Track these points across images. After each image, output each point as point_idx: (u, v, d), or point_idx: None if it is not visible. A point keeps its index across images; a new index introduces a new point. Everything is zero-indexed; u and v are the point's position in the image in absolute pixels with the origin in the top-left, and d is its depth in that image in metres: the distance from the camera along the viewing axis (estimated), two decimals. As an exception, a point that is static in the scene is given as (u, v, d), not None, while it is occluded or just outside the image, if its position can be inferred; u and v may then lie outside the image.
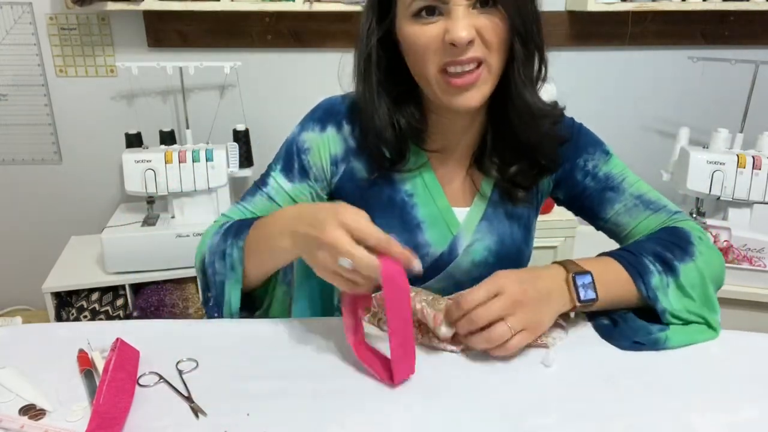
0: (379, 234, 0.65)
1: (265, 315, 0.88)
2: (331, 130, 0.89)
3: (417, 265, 0.65)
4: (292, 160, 0.90)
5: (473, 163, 0.90)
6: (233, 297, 0.80)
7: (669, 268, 0.78)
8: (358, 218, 0.65)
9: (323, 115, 0.90)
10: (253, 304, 0.87)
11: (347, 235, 0.64)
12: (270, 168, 0.92)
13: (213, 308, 0.83)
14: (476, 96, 0.77)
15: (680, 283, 0.77)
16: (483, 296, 0.69)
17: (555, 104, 0.87)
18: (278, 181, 0.90)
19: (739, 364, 0.72)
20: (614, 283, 0.77)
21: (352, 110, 0.89)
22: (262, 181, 0.91)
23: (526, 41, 0.76)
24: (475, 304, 0.69)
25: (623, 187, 0.89)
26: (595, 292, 0.75)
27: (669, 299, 0.76)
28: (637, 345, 0.75)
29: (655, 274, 0.77)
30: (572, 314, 0.80)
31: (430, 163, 0.89)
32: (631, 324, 0.77)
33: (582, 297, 0.74)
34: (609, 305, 0.78)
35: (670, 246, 0.80)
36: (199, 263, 0.85)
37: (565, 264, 0.77)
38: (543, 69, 0.81)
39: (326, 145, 0.89)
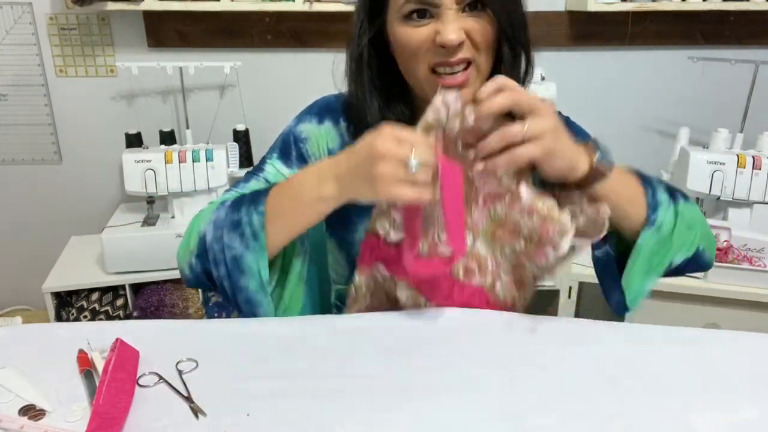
0: (423, 137, 0.71)
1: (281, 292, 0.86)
2: (328, 124, 0.90)
3: None
4: (289, 148, 0.90)
5: None
6: (261, 267, 0.77)
7: (673, 197, 0.82)
8: (400, 129, 0.70)
9: (320, 110, 0.91)
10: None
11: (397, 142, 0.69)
12: (265, 158, 0.91)
13: (213, 308, 0.82)
14: (466, 93, 0.78)
15: (679, 209, 0.81)
16: (526, 91, 0.71)
17: None
18: (276, 166, 0.89)
19: (739, 364, 0.72)
20: (625, 180, 0.79)
21: (346, 108, 0.90)
22: (257, 169, 0.90)
23: (514, 43, 0.78)
24: (517, 86, 0.71)
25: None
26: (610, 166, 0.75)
27: (665, 215, 0.79)
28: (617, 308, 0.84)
29: (661, 192, 0.81)
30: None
31: None
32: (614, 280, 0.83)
33: (599, 157, 0.74)
34: (616, 201, 0.76)
35: (674, 188, 0.84)
36: (196, 245, 0.81)
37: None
38: (529, 70, 0.82)
39: (324, 138, 0.90)
